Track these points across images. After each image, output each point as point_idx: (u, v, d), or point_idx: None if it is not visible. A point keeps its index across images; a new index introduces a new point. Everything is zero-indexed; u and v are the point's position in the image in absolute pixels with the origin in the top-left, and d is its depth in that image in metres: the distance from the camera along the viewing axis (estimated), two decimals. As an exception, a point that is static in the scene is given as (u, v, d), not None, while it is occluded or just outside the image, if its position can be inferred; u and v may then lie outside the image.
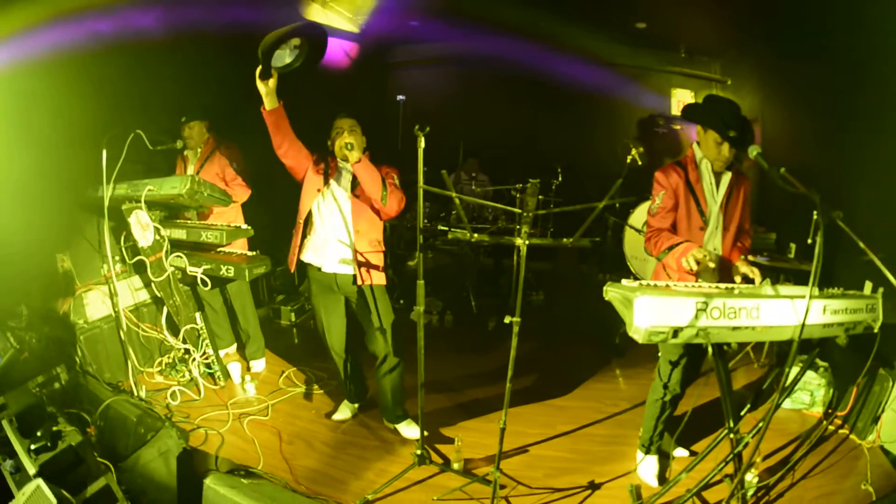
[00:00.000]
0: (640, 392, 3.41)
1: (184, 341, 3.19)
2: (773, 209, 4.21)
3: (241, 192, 3.32)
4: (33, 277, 3.01)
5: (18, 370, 2.52)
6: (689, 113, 2.36)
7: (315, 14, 4.75)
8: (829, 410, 3.10)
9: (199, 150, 3.32)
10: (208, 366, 3.30)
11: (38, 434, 2.13)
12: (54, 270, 3.11)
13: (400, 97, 6.17)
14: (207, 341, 3.24)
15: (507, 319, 2.00)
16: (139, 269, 3.33)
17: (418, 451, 2.52)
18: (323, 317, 2.82)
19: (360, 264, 2.60)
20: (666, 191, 2.32)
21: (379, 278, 2.67)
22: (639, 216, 4.45)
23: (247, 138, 3.48)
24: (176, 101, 3.39)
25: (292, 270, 2.75)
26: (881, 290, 1.96)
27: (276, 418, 3.03)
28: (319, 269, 2.70)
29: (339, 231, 2.63)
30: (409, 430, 2.91)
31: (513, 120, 6.05)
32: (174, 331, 3.24)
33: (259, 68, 2.29)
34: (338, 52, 5.47)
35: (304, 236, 2.72)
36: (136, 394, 2.99)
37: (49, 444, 2.12)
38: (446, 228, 2.16)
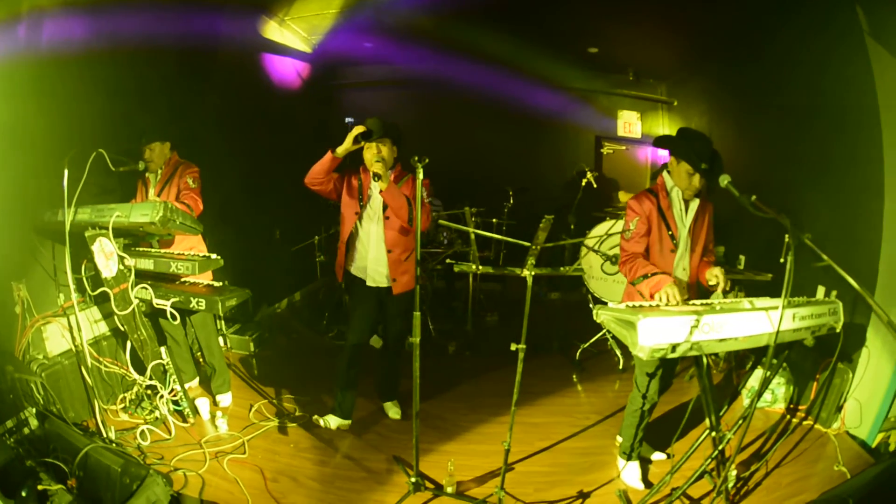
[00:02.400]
0: (606, 404, 3.66)
1: (150, 377, 3.06)
2: (720, 224, 4.67)
3: (192, 205, 3.16)
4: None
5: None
6: (663, 143, 2.60)
7: (272, 32, 4.73)
8: (792, 405, 3.42)
9: (159, 172, 3.20)
10: (176, 402, 3.17)
11: (24, 494, 1.99)
12: (9, 300, 2.88)
13: (349, 119, 6.18)
14: (174, 376, 3.12)
15: (513, 347, 2.11)
16: (101, 300, 3.15)
17: (413, 479, 2.57)
18: (356, 322, 3.14)
19: (395, 278, 3.02)
20: (640, 217, 2.52)
21: (412, 283, 3.03)
22: (595, 236, 4.68)
23: (212, 164, 3.44)
24: (136, 119, 3.26)
25: (340, 281, 3.20)
26: (834, 292, 2.25)
27: (254, 455, 2.95)
28: (364, 282, 3.08)
29: (376, 252, 3.02)
30: (392, 408, 3.45)
31: (464, 143, 6.18)
32: (137, 365, 3.09)
33: (359, 132, 2.75)
34: (290, 72, 5.45)
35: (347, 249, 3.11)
36: (105, 435, 2.82)
37: (38, 506, 1.96)
38: (453, 262, 2.26)
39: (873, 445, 2.96)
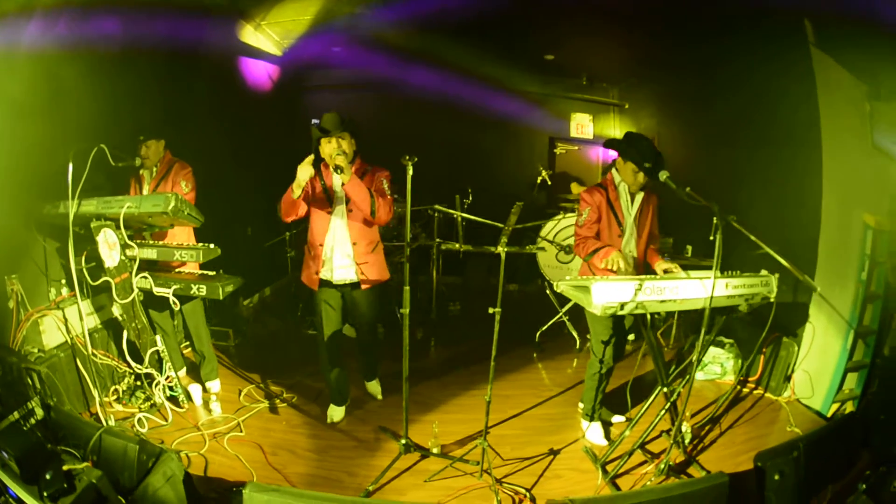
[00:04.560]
0: (565, 379, 4.25)
1: (147, 365, 3.35)
2: (669, 217, 5.24)
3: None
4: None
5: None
6: (612, 145, 3.12)
7: (247, 36, 5.09)
8: (742, 377, 3.98)
9: (154, 169, 3.48)
10: (171, 388, 3.46)
11: (48, 477, 2.06)
12: (2, 295, 3.09)
13: (315, 121, 6.54)
14: (169, 363, 3.43)
15: (490, 310, 2.60)
16: (93, 294, 3.42)
17: (403, 441, 2.99)
18: (326, 325, 3.30)
19: (361, 271, 3.18)
20: (591, 207, 3.07)
21: (379, 275, 3.23)
22: (549, 229, 5.19)
23: (198, 160, 3.76)
24: (131, 117, 3.53)
25: (315, 289, 3.25)
26: (777, 275, 2.80)
27: (250, 433, 3.27)
28: (329, 283, 3.23)
29: (341, 247, 3.17)
30: (374, 387, 3.82)
31: (425, 143, 6.37)
32: (132, 355, 3.36)
33: (309, 162, 2.86)
34: (262, 74, 5.81)
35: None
36: (105, 423, 3.07)
37: (66, 486, 2.09)
38: (440, 240, 2.72)
39: (829, 415, 3.41)
